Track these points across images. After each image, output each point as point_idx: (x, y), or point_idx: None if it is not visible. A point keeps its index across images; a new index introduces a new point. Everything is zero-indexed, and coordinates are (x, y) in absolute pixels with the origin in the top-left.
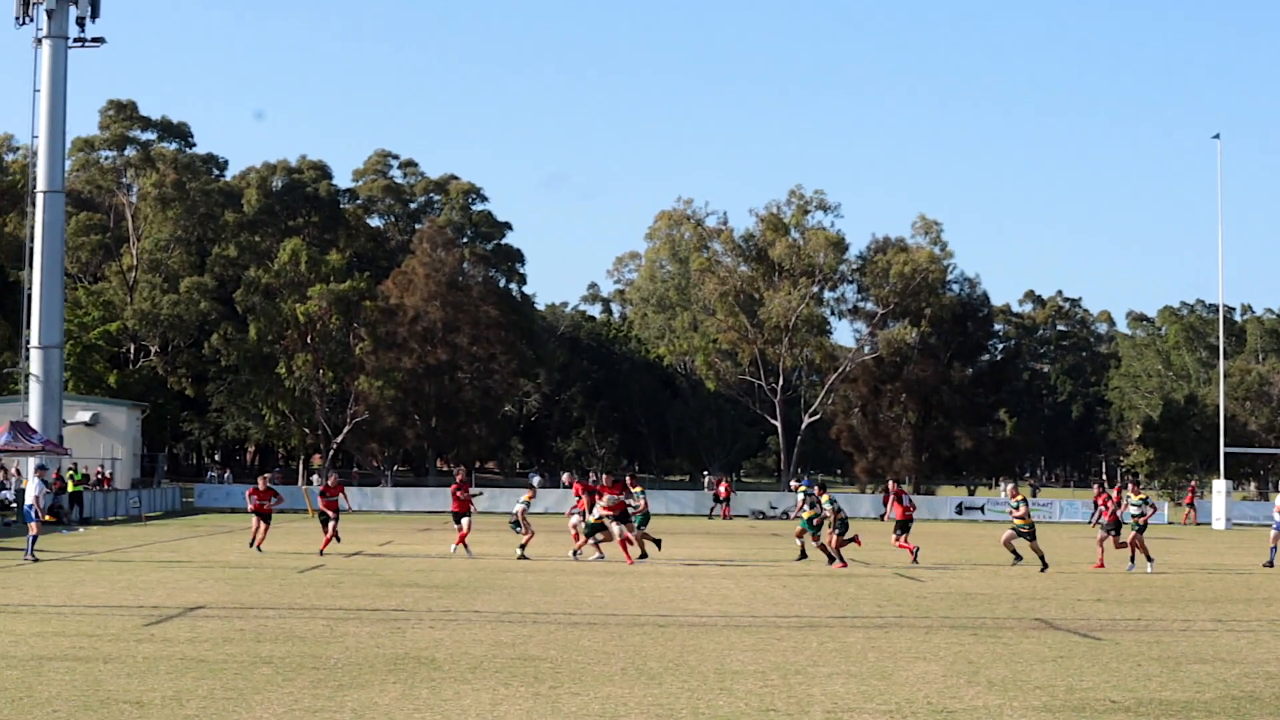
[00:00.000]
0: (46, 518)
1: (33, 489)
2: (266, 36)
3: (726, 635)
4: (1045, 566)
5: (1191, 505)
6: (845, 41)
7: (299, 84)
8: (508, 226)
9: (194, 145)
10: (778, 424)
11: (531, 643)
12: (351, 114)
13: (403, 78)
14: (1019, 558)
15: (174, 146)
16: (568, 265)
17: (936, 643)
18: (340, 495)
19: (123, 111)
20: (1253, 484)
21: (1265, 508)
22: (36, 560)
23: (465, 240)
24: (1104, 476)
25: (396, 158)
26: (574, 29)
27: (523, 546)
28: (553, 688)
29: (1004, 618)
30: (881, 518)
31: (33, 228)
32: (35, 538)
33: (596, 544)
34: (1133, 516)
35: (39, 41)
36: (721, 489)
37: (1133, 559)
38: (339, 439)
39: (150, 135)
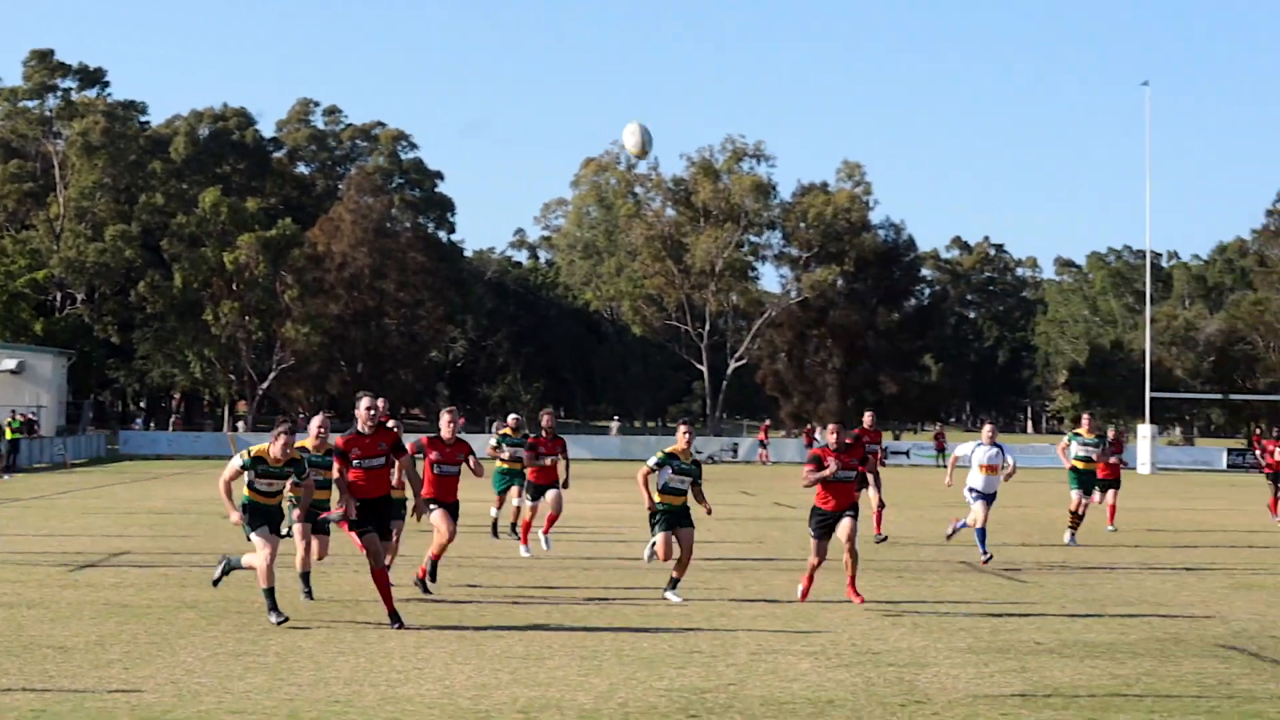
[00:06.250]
0: None
1: None
2: None
3: None
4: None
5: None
6: None
7: (217, 29)
8: (439, 176)
9: (110, 92)
10: (704, 369)
11: None
12: (271, 60)
13: (323, 22)
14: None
15: (94, 94)
16: (494, 211)
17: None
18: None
19: (44, 61)
20: (1177, 429)
21: (1191, 453)
22: None
23: (394, 187)
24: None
25: (319, 105)
26: None
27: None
28: None
29: (929, 560)
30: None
31: None
32: None
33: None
34: None
35: None
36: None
37: None
38: (264, 385)
39: (70, 83)
